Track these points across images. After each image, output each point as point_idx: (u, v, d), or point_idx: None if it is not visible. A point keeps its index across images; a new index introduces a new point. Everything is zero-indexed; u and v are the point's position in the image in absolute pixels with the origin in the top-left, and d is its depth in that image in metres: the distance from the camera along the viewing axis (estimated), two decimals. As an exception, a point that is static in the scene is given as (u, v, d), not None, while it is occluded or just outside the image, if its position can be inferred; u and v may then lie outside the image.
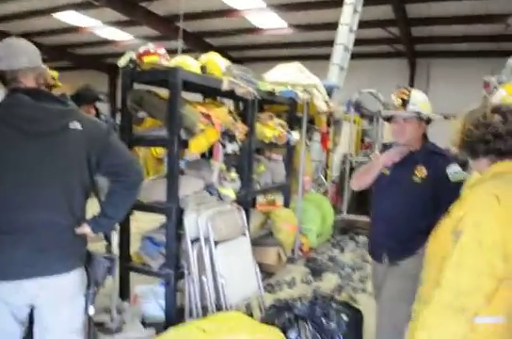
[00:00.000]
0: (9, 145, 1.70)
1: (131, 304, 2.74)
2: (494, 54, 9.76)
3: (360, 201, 5.98)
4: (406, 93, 2.36)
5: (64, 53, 13.43)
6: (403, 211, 2.42)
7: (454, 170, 2.28)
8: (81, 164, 1.82)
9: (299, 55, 11.80)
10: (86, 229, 1.88)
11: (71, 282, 1.84)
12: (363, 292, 4.04)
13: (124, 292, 3.01)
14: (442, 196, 2.28)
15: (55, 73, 3.76)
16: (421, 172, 2.36)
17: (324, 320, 2.57)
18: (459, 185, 2.15)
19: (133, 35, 11.84)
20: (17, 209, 1.71)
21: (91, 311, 1.94)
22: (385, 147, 2.72)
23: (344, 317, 2.60)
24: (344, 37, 6.40)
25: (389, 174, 2.52)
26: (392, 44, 11.30)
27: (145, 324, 2.62)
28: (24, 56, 1.74)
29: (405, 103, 2.32)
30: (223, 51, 10.65)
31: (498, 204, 1.36)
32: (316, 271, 4.50)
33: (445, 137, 2.06)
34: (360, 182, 2.60)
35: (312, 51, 11.85)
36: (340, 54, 6.39)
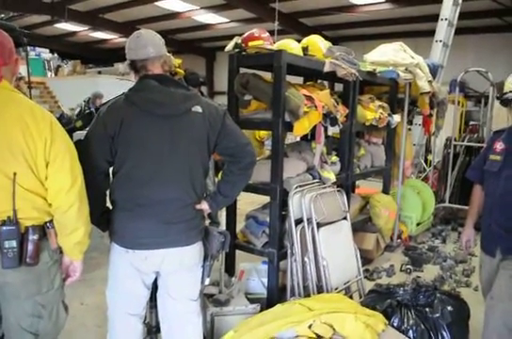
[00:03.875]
0: (139, 126, 1.84)
1: (237, 280, 2.88)
2: None
3: (465, 189, 5.58)
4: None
5: (165, 39, 14.03)
6: None
7: None
8: (202, 145, 1.93)
9: (398, 31, 11.21)
10: (204, 205, 2.01)
11: (192, 254, 1.99)
12: (467, 286, 3.83)
13: (230, 268, 3.16)
14: None
15: (177, 61, 3.93)
16: None
17: (427, 309, 2.49)
18: None
19: (228, 18, 12.06)
20: (147, 186, 1.86)
21: (207, 281, 2.10)
22: (496, 134, 2.52)
23: (449, 308, 2.50)
24: (448, 10, 5.88)
25: (501, 160, 2.35)
26: (502, 16, 10.16)
27: (248, 299, 2.74)
28: (150, 47, 1.88)
29: None
30: (318, 30, 10.45)
31: None
32: (416, 261, 4.33)
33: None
34: None
35: (412, 27, 11.15)
36: (443, 29, 5.93)
